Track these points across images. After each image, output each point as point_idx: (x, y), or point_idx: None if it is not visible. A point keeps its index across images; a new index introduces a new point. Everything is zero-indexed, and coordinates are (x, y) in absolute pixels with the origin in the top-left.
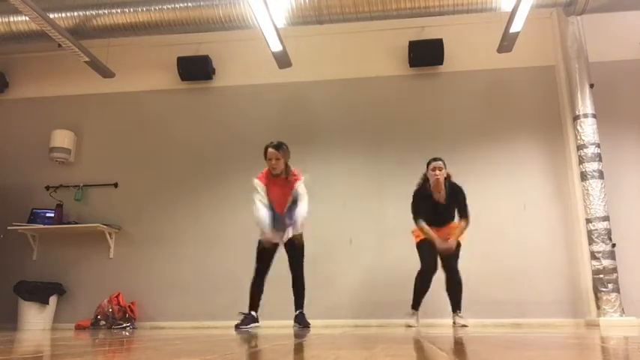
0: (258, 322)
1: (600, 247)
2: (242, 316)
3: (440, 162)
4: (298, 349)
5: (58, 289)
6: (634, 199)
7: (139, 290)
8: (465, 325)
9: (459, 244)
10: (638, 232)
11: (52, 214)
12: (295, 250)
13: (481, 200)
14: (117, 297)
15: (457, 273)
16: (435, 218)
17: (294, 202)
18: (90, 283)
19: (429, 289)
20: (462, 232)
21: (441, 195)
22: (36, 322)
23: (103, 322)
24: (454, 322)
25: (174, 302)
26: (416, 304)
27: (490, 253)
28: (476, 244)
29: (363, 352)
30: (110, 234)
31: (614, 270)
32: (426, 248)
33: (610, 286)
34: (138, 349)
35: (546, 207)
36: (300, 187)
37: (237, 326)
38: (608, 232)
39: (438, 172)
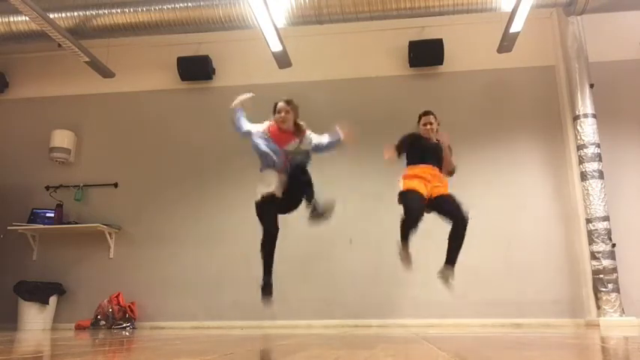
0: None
1: (600, 247)
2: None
3: (431, 115)
4: (298, 349)
5: (58, 289)
6: (634, 199)
7: (139, 290)
8: (449, 282)
9: (451, 196)
10: (638, 232)
11: (52, 214)
12: (305, 187)
13: (481, 200)
14: (117, 297)
15: (466, 218)
16: (423, 154)
17: (303, 152)
18: (90, 283)
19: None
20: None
21: (431, 139)
22: (36, 322)
23: (103, 322)
24: (441, 273)
25: (174, 302)
26: (404, 239)
27: (490, 253)
28: (476, 244)
29: (363, 352)
30: (110, 234)
31: (614, 270)
32: (412, 197)
33: (610, 286)
34: (138, 349)
35: (546, 207)
36: (312, 134)
37: (264, 296)
38: (608, 232)
39: (429, 126)
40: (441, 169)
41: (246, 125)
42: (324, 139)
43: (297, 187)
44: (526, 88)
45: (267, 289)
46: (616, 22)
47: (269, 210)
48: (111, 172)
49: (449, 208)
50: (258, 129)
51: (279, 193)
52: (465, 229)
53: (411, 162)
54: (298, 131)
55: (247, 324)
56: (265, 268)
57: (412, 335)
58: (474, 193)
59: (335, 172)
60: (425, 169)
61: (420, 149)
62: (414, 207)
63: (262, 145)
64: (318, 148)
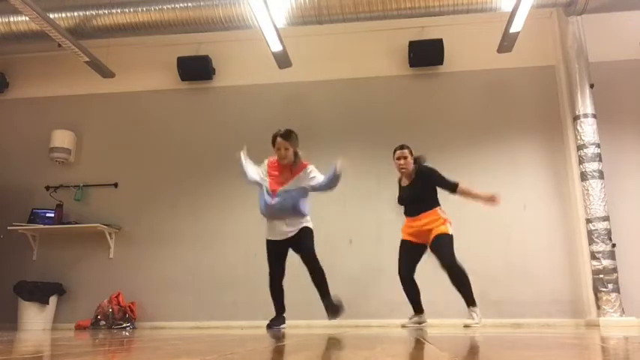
0: (284, 323)
1: (600, 247)
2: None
3: (405, 150)
4: (298, 349)
5: (58, 289)
6: (634, 199)
7: (139, 290)
8: (473, 325)
9: (445, 236)
10: (638, 232)
11: (52, 214)
12: (302, 239)
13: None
14: (117, 297)
15: (452, 267)
16: (405, 206)
17: (302, 188)
18: (90, 283)
19: (419, 291)
20: (471, 192)
21: (408, 180)
22: (36, 322)
23: (103, 322)
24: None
25: (174, 302)
26: (415, 308)
27: (490, 253)
28: (476, 245)
29: (363, 352)
30: (110, 234)
31: (614, 270)
32: (401, 250)
33: (610, 286)
34: (138, 349)
35: (546, 207)
36: (314, 171)
37: (268, 326)
38: (608, 232)
39: (402, 161)
40: (425, 209)
41: (254, 175)
42: (323, 178)
43: (297, 247)
44: (526, 88)
45: (275, 321)
46: (616, 22)
47: (271, 250)
48: (111, 172)
49: (438, 257)
50: (261, 175)
51: (280, 238)
52: (454, 275)
53: (405, 214)
54: (297, 164)
55: (247, 324)
56: (275, 306)
57: (412, 335)
58: None
59: None
60: (410, 224)
61: (405, 203)
62: (401, 258)
63: (261, 196)
64: (319, 188)
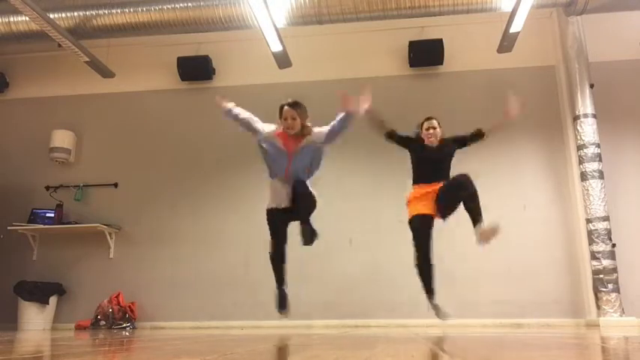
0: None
1: (600, 247)
2: (277, 297)
3: (433, 120)
4: (298, 349)
5: (58, 289)
6: (634, 199)
7: (139, 290)
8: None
9: (473, 186)
10: (638, 232)
11: (52, 214)
12: (305, 200)
13: (481, 200)
14: (117, 297)
15: (469, 185)
16: (424, 169)
17: (313, 160)
18: (90, 283)
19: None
20: (495, 126)
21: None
22: (36, 322)
23: (103, 322)
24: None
25: (174, 302)
26: (429, 291)
27: (490, 253)
28: (475, 245)
29: (363, 352)
30: (110, 234)
31: (614, 270)
32: (416, 225)
33: (610, 286)
34: (138, 349)
35: (546, 207)
36: (317, 129)
37: (279, 310)
38: (608, 232)
39: (432, 131)
40: (443, 178)
41: (246, 114)
42: (332, 124)
43: (300, 201)
44: (526, 88)
45: (281, 301)
46: (616, 22)
47: (275, 219)
48: (111, 172)
49: (456, 178)
50: (264, 128)
51: (285, 205)
52: (471, 187)
53: (418, 181)
54: (305, 133)
55: (247, 324)
56: (276, 278)
57: (412, 335)
58: None
59: (335, 171)
60: (425, 189)
61: (426, 164)
62: (420, 235)
63: (269, 151)
64: (332, 135)
